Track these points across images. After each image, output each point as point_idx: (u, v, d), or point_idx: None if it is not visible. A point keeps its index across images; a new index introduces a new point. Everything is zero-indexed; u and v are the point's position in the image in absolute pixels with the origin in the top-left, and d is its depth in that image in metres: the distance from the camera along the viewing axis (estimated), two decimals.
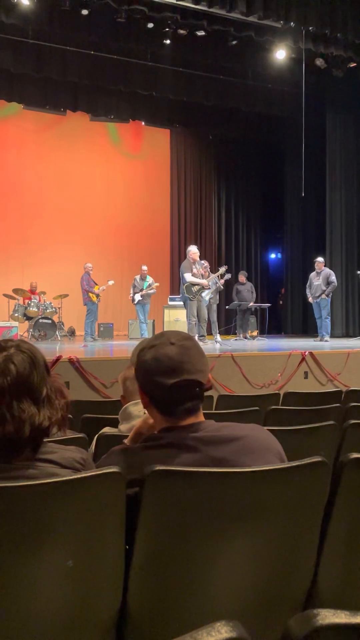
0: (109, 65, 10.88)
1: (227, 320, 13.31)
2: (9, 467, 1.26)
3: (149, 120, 13.61)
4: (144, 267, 11.25)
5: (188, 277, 8.96)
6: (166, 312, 12.25)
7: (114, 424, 2.26)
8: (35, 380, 1.29)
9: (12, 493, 1.13)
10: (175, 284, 13.79)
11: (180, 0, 9.02)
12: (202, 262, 9.58)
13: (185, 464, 1.31)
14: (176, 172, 15.23)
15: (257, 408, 3.03)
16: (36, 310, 10.69)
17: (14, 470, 1.26)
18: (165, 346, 1.42)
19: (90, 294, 10.84)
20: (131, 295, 11.11)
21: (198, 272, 9.09)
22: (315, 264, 10.46)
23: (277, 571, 1.36)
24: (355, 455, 1.43)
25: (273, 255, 16.86)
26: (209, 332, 9.99)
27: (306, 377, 6.99)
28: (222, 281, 10.09)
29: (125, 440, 1.70)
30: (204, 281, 9.10)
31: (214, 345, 9.08)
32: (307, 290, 10.50)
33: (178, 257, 14.49)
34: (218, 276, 9.87)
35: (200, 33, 9.87)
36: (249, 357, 7.02)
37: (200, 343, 8.91)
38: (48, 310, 10.84)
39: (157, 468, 1.23)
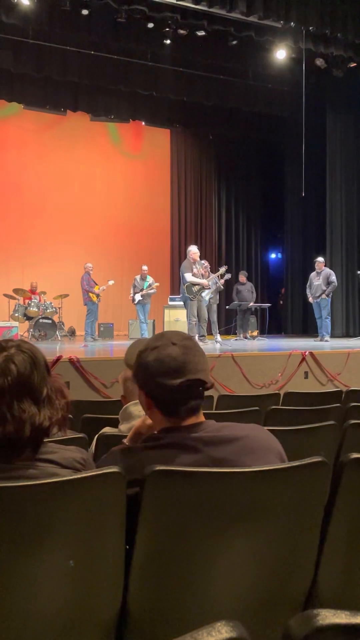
0: (109, 65, 10.89)
1: (228, 320, 13.31)
2: (9, 467, 1.26)
3: (149, 120, 13.61)
4: (144, 267, 11.25)
5: (188, 277, 8.96)
6: (166, 312, 12.25)
7: (114, 424, 2.26)
8: (36, 380, 1.29)
9: (12, 493, 1.13)
10: (176, 284, 13.79)
11: (181, 0, 9.02)
12: (203, 262, 9.58)
13: (186, 464, 1.31)
14: (176, 172, 15.24)
15: (257, 408, 3.02)
16: (36, 310, 10.69)
17: (15, 470, 1.26)
18: (168, 347, 1.42)
19: (91, 294, 10.84)
20: (131, 295, 11.11)
21: (198, 272, 9.09)
22: (316, 264, 10.46)
23: (278, 571, 1.36)
24: (355, 455, 1.43)
25: (273, 255, 16.86)
26: (209, 332, 9.99)
27: (306, 377, 6.99)
28: (222, 281, 10.09)
29: (125, 440, 1.71)
30: (204, 281, 9.10)
31: (214, 345, 9.08)
32: (307, 290, 10.50)
33: (178, 257, 14.49)
34: (218, 276, 9.87)
35: (201, 33, 9.87)
36: (249, 357, 7.02)
37: (201, 343, 8.94)
38: (48, 310, 10.84)
39: (158, 468, 1.23)
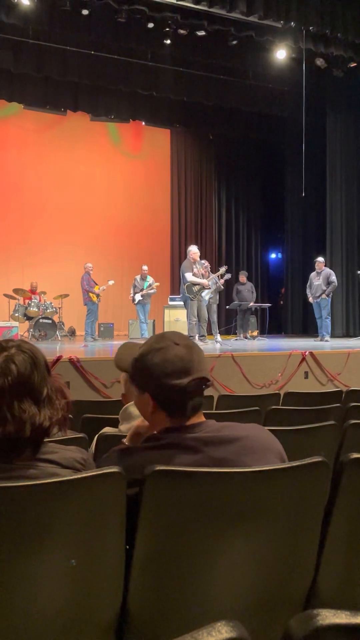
0: (109, 65, 10.89)
1: (228, 320, 13.31)
2: (9, 467, 1.26)
3: (149, 120, 13.62)
4: (145, 267, 11.25)
5: (189, 276, 8.97)
6: (166, 312, 12.25)
7: (114, 424, 2.26)
8: (36, 380, 1.29)
9: (13, 493, 1.13)
10: (176, 284, 13.79)
11: (181, 0, 9.02)
12: (203, 262, 9.59)
13: (186, 464, 1.31)
14: (176, 172, 15.24)
15: (257, 408, 3.02)
16: (36, 310, 10.69)
17: (15, 470, 1.26)
18: (172, 347, 1.43)
19: (91, 294, 10.84)
20: (131, 295, 11.11)
21: (198, 272, 9.10)
22: (316, 264, 10.46)
23: (278, 571, 1.36)
24: (355, 455, 1.43)
25: (273, 255, 16.86)
26: (209, 332, 9.99)
27: (306, 377, 6.99)
28: (222, 281, 10.09)
29: (124, 440, 1.71)
30: (204, 281, 9.10)
31: (214, 345, 9.08)
32: (308, 290, 10.50)
33: (178, 257, 14.49)
34: (218, 276, 9.88)
35: (201, 33, 9.87)
36: (249, 357, 7.02)
37: (201, 343, 8.96)
38: (48, 310, 10.84)
39: (158, 468, 1.23)
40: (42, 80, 11.29)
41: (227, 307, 12.15)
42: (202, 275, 9.17)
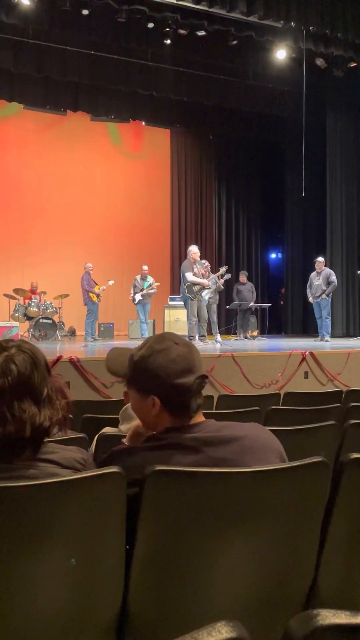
0: (109, 65, 10.90)
1: (228, 320, 13.32)
2: (9, 467, 1.26)
3: (149, 120, 13.62)
4: (145, 267, 11.25)
5: (189, 276, 8.97)
6: (166, 312, 12.25)
7: (114, 424, 2.26)
8: (36, 381, 1.29)
9: (13, 493, 1.13)
10: (176, 284, 13.79)
11: (181, 0, 9.02)
12: (203, 261, 9.59)
13: (186, 464, 1.31)
14: (176, 172, 15.24)
15: (257, 408, 3.02)
16: (37, 310, 10.69)
17: (15, 470, 1.26)
18: (174, 347, 1.44)
19: (91, 294, 10.84)
20: (132, 295, 11.11)
21: (199, 272, 9.10)
22: (316, 264, 10.46)
23: (278, 571, 1.36)
24: (355, 455, 1.43)
25: (273, 255, 16.86)
26: (209, 332, 9.99)
27: (306, 377, 6.99)
28: (222, 281, 10.09)
29: (124, 440, 1.71)
30: (204, 281, 9.10)
31: (214, 345, 9.08)
32: (308, 290, 10.50)
33: (178, 257, 14.50)
34: (218, 276, 9.88)
35: (201, 33, 9.87)
36: (250, 357, 7.02)
37: (201, 343, 8.95)
38: (48, 310, 10.85)
39: (158, 468, 1.23)
40: (42, 80, 11.29)
41: (227, 307, 12.15)
42: (202, 275, 9.17)
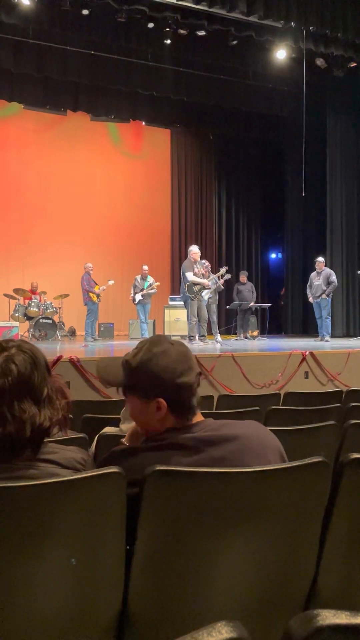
0: (110, 65, 10.90)
1: (228, 320, 13.32)
2: (10, 467, 1.26)
3: (149, 120, 13.62)
4: (145, 267, 11.26)
5: (190, 276, 8.97)
6: (167, 312, 12.26)
7: (115, 424, 2.26)
8: (36, 381, 1.29)
9: (13, 493, 1.13)
10: (176, 284, 13.80)
11: (181, 0, 9.02)
12: (203, 261, 9.59)
13: (186, 464, 1.31)
14: (176, 172, 15.24)
15: (257, 408, 3.02)
16: (37, 310, 10.69)
17: (15, 470, 1.26)
18: (172, 348, 1.46)
19: (91, 294, 10.84)
20: (132, 295, 11.11)
21: (199, 272, 9.10)
22: (316, 264, 10.46)
23: (278, 571, 1.36)
24: (355, 455, 1.43)
25: (273, 255, 16.86)
26: (209, 332, 9.99)
27: (307, 377, 6.99)
28: (222, 281, 10.09)
29: (123, 440, 1.71)
30: (205, 281, 9.11)
31: (214, 345, 9.08)
32: (308, 290, 10.50)
33: (178, 257, 14.50)
34: (218, 277, 9.88)
35: (201, 33, 9.87)
36: (250, 357, 7.02)
37: (201, 343, 8.94)
38: (48, 310, 10.85)
39: (158, 468, 1.23)
40: (42, 80, 11.29)
41: (227, 307, 12.15)
42: (203, 275, 9.18)
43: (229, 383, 6.40)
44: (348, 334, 12.04)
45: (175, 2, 9.09)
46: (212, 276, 9.70)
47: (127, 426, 2.03)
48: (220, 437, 1.40)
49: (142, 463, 1.28)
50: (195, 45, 10.37)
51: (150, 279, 11.05)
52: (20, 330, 10.51)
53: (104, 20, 9.68)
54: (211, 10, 9.14)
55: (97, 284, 10.99)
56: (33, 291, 11.26)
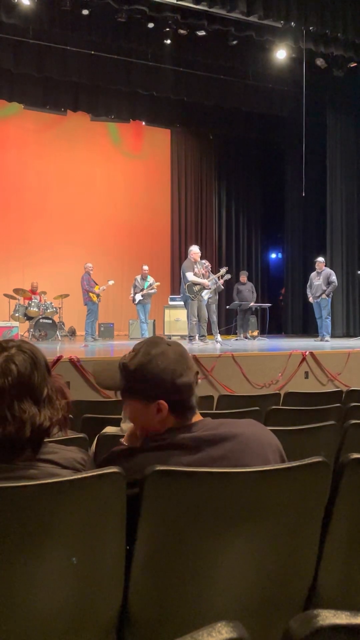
0: (110, 65, 10.89)
1: (228, 320, 13.32)
2: (9, 467, 1.26)
3: (149, 120, 13.61)
4: (145, 267, 11.26)
5: (190, 276, 8.97)
6: (167, 312, 12.26)
7: (115, 424, 2.26)
8: (36, 381, 1.29)
9: (13, 493, 1.13)
10: (176, 284, 13.80)
11: (181, 0, 9.02)
12: (204, 261, 9.59)
13: (186, 464, 1.31)
14: (176, 172, 15.24)
15: (257, 408, 3.03)
16: (37, 310, 10.70)
17: (15, 470, 1.26)
18: (169, 349, 1.46)
19: (91, 294, 10.84)
20: (132, 295, 11.12)
21: (199, 272, 9.11)
22: (316, 264, 10.46)
23: (278, 571, 1.36)
24: (355, 455, 1.43)
25: (273, 255, 16.86)
26: (209, 332, 9.99)
27: (307, 377, 6.99)
28: (222, 281, 10.09)
29: (122, 440, 1.70)
30: (205, 281, 9.11)
31: (214, 345, 9.08)
32: (308, 290, 10.50)
33: (178, 257, 14.50)
34: (218, 277, 9.88)
35: (201, 33, 9.87)
36: (250, 357, 7.02)
37: (201, 343, 8.94)
38: (49, 310, 10.85)
39: (158, 468, 1.23)
40: (42, 80, 11.28)
41: (228, 307, 12.15)
42: (203, 275, 9.18)
43: (229, 383, 6.40)
44: (348, 334, 12.04)
45: (175, 2, 9.09)
46: (212, 276, 9.70)
47: (127, 425, 2.03)
48: (219, 436, 1.40)
49: (142, 463, 1.29)
50: (195, 45, 10.36)
51: (150, 279, 11.05)
52: (20, 330, 10.51)
53: (104, 20, 9.68)
54: (211, 10, 9.14)
55: (97, 284, 10.99)
56: (33, 291, 11.26)
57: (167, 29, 9.89)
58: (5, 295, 11.17)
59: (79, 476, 1.20)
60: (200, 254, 9.36)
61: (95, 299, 10.91)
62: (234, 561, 1.30)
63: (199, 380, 1.51)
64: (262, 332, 12.62)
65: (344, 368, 7.19)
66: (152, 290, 11.03)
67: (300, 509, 1.36)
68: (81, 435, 2.15)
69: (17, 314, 10.71)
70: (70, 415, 1.40)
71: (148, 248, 14.42)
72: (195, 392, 1.46)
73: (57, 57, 10.57)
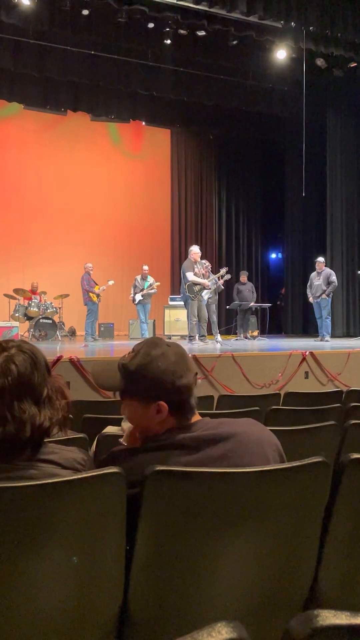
0: (110, 65, 10.89)
1: (228, 320, 13.32)
2: (9, 467, 1.26)
3: (149, 120, 13.61)
4: (145, 267, 11.26)
5: (190, 276, 8.98)
6: (167, 312, 12.26)
7: (115, 424, 2.26)
8: (36, 381, 1.29)
9: (13, 493, 1.13)
10: (176, 284, 13.80)
11: (181, 0, 9.02)
12: (204, 262, 9.59)
13: (186, 464, 1.31)
14: (177, 172, 15.24)
15: (257, 408, 3.02)
16: (37, 310, 10.70)
17: (15, 470, 1.26)
18: (169, 350, 1.46)
19: (91, 294, 10.84)
20: (132, 295, 11.12)
21: (199, 272, 9.11)
22: (316, 264, 10.46)
23: (278, 571, 1.36)
24: (355, 455, 1.43)
25: (273, 255, 16.86)
26: (209, 332, 10.00)
27: (307, 377, 6.99)
28: (222, 281, 10.10)
29: (121, 440, 1.70)
30: (205, 281, 9.11)
31: (214, 345, 9.08)
32: (308, 290, 10.50)
33: (178, 257, 14.50)
34: (218, 277, 9.88)
35: (201, 33, 9.87)
36: (250, 357, 7.02)
37: (201, 343, 8.94)
38: (49, 310, 10.85)
39: (158, 468, 1.23)
40: (42, 80, 11.28)
41: (228, 307, 12.15)
42: (203, 275, 9.18)
43: (229, 383, 6.40)
44: (348, 334, 12.04)
45: (175, 2, 9.09)
46: (212, 276, 9.70)
47: (129, 425, 2.03)
48: (219, 436, 1.40)
49: (141, 463, 1.28)
50: (195, 45, 10.36)
51: (150, 279, 11.06)
52: (21, 330, 10.51)
53: (104, 20, 9.67)
54: (211, 10, 9.14)
55: (97, 284, 10.99)
56: (33, 291, 11.26)
57: (167, 29, 9.89)
58: (5, 295, 11.16)
59: (79, 476, 1.20)
60: (200, 254, 9.37)
61: (95, 299, 10.91)
62: (234, 561, 1.30)
63: (199, 381, 1.52)
64: (262, 332, 12.62)
65: (344, 368, 7.19)
66: (152, 290, 11.03)
67: (300, 509, 1.36)
68: (81, 435, 2.15)
69: (17, 314, 10.71)
70: (70, 416, 1.40)
71: (148, 248, 14.42)
72: (194, 392, 1.46)
73: (57, 57, 10.57)
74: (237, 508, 1.29)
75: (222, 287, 10.26)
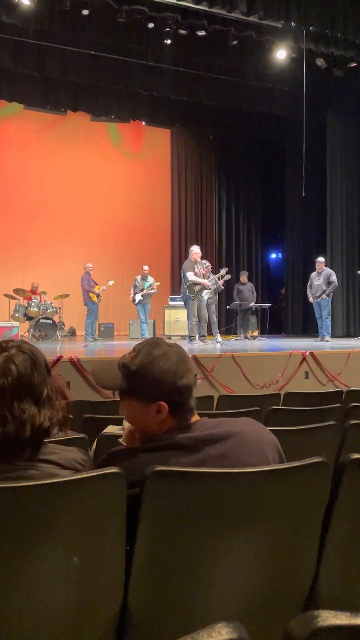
0: (109, 65, 10.88)
1: (228, 320, 13.32)
2: (9, 467, 1.26)
3: (149, 120, 13.61)
4: (145, 267, 11.26)
5: (190, 276, 8.98)
6: (167, 312, 12.26)
7: (115, 424, 2.26)
8: (36, 381, 1.29)
9: (13, 493, 1.13)
10: (176, 284, 13.80)
11: (181, 0, 9.01)
12: (204, 262, 9.60)
13: (185, 464, 1.31)
14: (177, 172, 15.24)
15: (257, 408, 3.02)
16: (37, 310, 10.70)
17: (15, 470, 1.26)
18: (170, 350, 1.46)
19: (91, 294, 10.84)
20: (132, 295, 11.11)
21: (199, 272, 9.11)
22: (316, 264, 10.46)
23: (278, 572, 1.36)
24: (356, 455, 1.43)
25: (274, 255, 16.86)
26: (209, 332, 10.00)
27: (307, 377, 6.99)
28: (222, 282, 10.10)
29: (120, 440, 1.70)
30: (205, 281, 9.11)
31: (214, 345, 9.08)
32: (308, 290, 10.50)
33: (178, 257, 14.50)
34: (218, 277, 9.88)
35: (201, 33, 9.86)
36: (250, 357, 7.02)
37: (201, 343, 8.94)
38: (49, 310, 10.85)
39: (158, 468, 1.23)
40: (42, 80, 11.28)
41: (228, 307, 12.15)
42: (203, 275, 9.19)
43: (229, 383, 6.40)
44: (348, 334, 12.04)
45: (175, 2, 9.09)
46: (212, 276, 9.70)
47: (129, 424, 2.03)
48: (218, 435, 1.40)
49: (141, 463, 1.28)
50: (195, 45, 10.35)
51: (150, 279, 11.06)
52: (21, 330, 10.51)
53: (104, 20, 9.67)
54: (211, 10, 9.13)
55: (97, 284, 10.99)
56: (33, 291, 11.26)
57: (167, 29, 9.89)
58: (5, 295, 11.16)
59: (79, 476, 1.20)
60: (200, 254, 9.37)
61: (95, 299, 10.91)
62: (234, 561, 1.30)
63: (199, 381, 1.52)
64: (262, 332, 12.62)
65: (344, 368, 7.19)
66: (152, 290, 11.03)
67: (300, 509, 1.36)
68: (81, 435, 2.15)
69: (17, 314, 10.71)
70: (70, 416, 1.40)
71: (148, 248, 14.42)
72: (193, 393, 1.47)
73: (57, 57, 10.57)
74: (237, 508, 1.29)
75: (222, 287, 10.26)
